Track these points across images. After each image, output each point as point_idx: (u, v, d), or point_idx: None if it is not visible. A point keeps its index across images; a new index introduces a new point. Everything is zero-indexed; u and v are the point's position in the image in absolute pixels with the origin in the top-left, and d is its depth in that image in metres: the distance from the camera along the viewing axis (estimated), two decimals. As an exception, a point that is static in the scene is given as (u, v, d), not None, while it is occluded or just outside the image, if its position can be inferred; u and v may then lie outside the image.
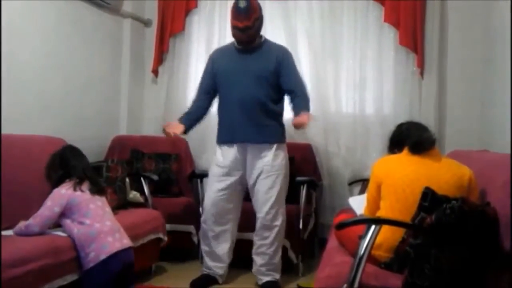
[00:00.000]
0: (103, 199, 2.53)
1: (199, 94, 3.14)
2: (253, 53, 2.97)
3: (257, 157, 2.95)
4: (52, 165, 2.53)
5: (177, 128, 2.95)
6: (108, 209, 2.51)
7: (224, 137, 3.05)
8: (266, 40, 3.04)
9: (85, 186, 2.45)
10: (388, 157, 2.16)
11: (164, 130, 2.93)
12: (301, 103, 2.92)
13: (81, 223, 2.34)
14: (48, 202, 2.36)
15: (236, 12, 2.84)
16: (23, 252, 2.07)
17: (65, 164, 2.51)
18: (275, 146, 2.96)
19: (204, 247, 3.12)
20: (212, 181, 3.06)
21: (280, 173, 2.96)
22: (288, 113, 3.09)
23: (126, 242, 2.45)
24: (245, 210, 3.13)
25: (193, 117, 3.08)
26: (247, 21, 2.82)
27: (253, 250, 3.05)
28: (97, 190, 2.50)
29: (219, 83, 3.05)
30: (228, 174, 3.00)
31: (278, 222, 2.97)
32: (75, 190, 2.40)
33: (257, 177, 2.96)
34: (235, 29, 2.88)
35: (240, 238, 3.17)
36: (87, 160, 2.63)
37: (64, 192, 2.38)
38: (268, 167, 2.93)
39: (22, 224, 2.36)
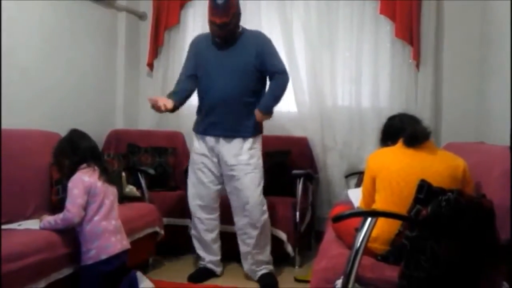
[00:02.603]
0: (115, 191, 2.49)
1: (182, 77, 3.07)
2: (232, 46, 2.91)
3: (231, 153, 2.91)
4: (62, 151, 2.46)
5: (167, 103, 2.83)
6: (116, 205, 2.48)
7: (199, 128, 3.04)
8: (243, 31, 2.97)
9: (97, 172, 2.41)
10: (383, 150, 2.15)
11: (153, 105, 2.79)
12: (268, 95, 2.94)
13: (91, 217, 2.33)
14: (75, 190, 2.30)
15: (214, 8, 2.76)
16: (20, 247, 2.06)
17: (77, 148, 2.43)
18: (250, 140, 2.93)
19: (193, 233, 3.13)
20: (193, 168, 3.07)
21: (257, 170, 2.94)
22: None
23: (126, 244, 2.46)
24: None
25: (180, 96, 2.98)
26: (225, 17, 2.75)
27: (242, 251, 3.03)
28: (109, 179, 2.46)
29: (198, 74, 3.01)
30: (206, 161, 3.00)
31: (263, 220, 2.94)
32: (98, 178, 2.37)
33: (233, 176, 2.92)
34: (213, 25, 2.82)
35: (233, 231, 3.17)
36: (95, 142, 2.58)
37: (87, 180, 2.34)
38: (243, 166, 2.90)
39: (51, 219, 2.32)
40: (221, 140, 2.95)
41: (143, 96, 4.44)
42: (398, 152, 2.03)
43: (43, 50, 3.30)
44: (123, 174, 3.30)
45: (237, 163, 2.91)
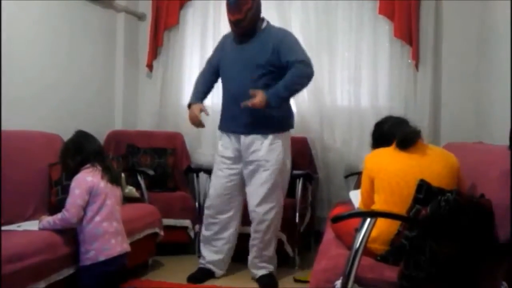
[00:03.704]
0: (118, 192, 2.50)
1: (206, 68, 3.19)
2: (251, 42, 2.93)
3: (250, 150, 2.93)
4: (67, 152, 2.49)
5: (199, 113, 3.00)
6: (118, 206, 2.48)
7: (223, 126, 3.09)
8: (268, 27, 2.99)
9: (100, 172, 2.42)
10: (379, 151, 2.14)
11: (196, 124, 3.03)
12: (280, 83, 2.81)
13: (91, 218, 2.33)
14: (76, 190, 2.32)
15: (228, 6, 2.84)
16: (20, 248, 2.06)
17: (81, 149, 2.46)
18: (270, 137, 2.93)
19: (205, 233, 3.10)
20: (215, 169, 3.09)
21: (276, 168, 2.92)
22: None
23: (126, 247, 2.46)
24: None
25: (203, 89, 3.13)
26: (238, 14, 2.80)
27: (249, 242, 3.06)
28: (113, 178, 2.47)
29: (220, 71, 3.08)
30: (228, 163, 3.01)
31: (269, 216, 2.95)
32: (101, 178, 2.38)
33: (251, 171, 2.94)
34: (229, 22, 2.89)
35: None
36: (100, 143, 2.61)
37: (90, 180, 2.36)
38: (262, 162, 2.91)
39: (50, 219, 2.32)
40: (242, 138, 2.96)
41: (142, 97, 4.44)
42: (394, 153, 2.03)
43: (42, 50, 3.29)
44: (123, 175, 3.29)
45: (255, 159, 2.92)
